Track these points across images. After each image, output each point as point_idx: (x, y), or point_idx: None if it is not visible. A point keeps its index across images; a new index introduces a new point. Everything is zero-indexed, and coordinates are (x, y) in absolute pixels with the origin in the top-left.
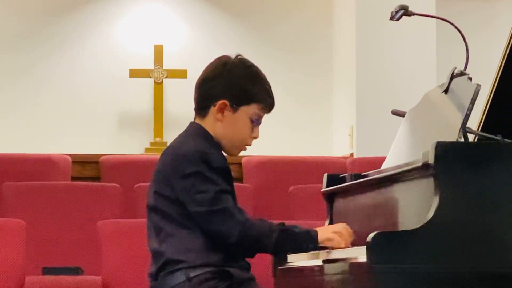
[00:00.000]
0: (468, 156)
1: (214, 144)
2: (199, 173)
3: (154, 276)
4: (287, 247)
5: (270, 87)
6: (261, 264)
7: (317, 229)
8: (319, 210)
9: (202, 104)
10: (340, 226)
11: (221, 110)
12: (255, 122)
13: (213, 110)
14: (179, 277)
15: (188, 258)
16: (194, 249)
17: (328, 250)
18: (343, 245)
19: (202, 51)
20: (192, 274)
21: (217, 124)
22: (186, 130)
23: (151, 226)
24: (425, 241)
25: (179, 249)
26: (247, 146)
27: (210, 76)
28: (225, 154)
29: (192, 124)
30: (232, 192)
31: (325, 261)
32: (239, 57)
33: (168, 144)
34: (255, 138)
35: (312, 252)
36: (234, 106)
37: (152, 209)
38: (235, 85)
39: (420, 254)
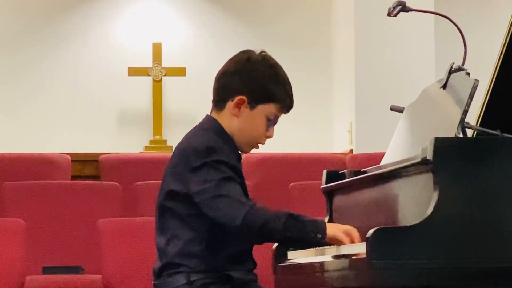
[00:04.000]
0: (467, 151)
1: (226, 138)
2: (206, 164)
3: (157, 274)
4: (295, 234)
5: (290, 88)
6: (261, 262)
7: (327, 224)
8: (319, 207)
9: (221, 97)
10: (350, 228)
11: (238, 105)
12: (271, 121)
13: (230, 104)
14: (181, 279)
15: (190, 263)
16: (197, 255)
17: (331, 246)
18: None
19: (200, 48)
20: (193, 278)
21: (233, 119)
22: (200, 123)
23: (159, 224)
24: (425, 236)
25: (182, 253)
26: (259, 145)
27: (232, 69)
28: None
29: (206, 117)
30: (241, 184)
31: (325, 258)
32: (263, 53)
33: (169, 141)
34: (269, 137)
35: (312, 249)
36: (252, 103)
37: (162, 207)
38: (256, 82)
39: (420, 250)
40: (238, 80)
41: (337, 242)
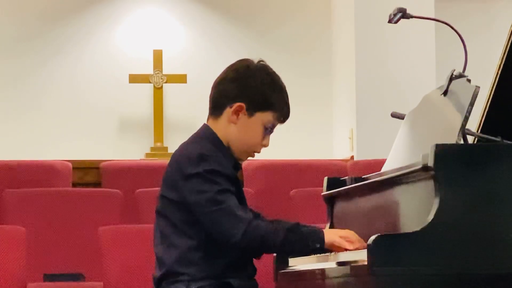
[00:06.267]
0: (468, 158)
1: (221, 147)
2: (200, 174)
3: (157, 282)
4: (294, 246)
5: (287, 97)
6: (262, 268)
7: (324, 231)
8: (320, 213)
9: (218, 104)
10: (348, 232)
11: (237, 112)
12: (268, 130)
13: (228, 111)
14: None
15: (189, 271)
16: (195, 262)
17: (332, 253)
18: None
19: (201, 55)
20: (192, 286)
21: (230, 126)
22: (196, 132)
23: (157, 230)
24: (426, 243)
25: (180, 261)
26: (255, 153)
27: (230, 76)
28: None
29: (203, 126)
30: (238, 195)
31: (326, 265)
32: (261, 62)
33: (170, 148)
34: (264, 146)
35: (313, 255)
36: (250, 110)
37: (158, 213)
38: (255, 90)
39: (421, 256)
40: (237, 87)
41: (336, 248)
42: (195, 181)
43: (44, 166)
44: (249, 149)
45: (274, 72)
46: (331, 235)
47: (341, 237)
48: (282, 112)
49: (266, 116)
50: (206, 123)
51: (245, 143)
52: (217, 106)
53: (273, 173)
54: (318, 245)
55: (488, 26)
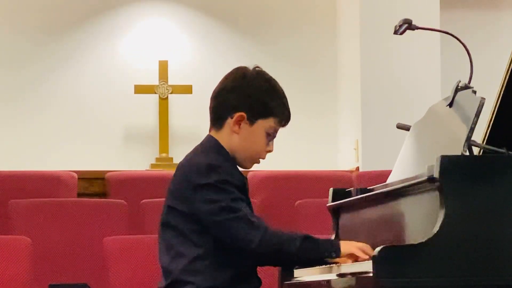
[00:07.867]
0: (473, 169)
1: (227, 157)
2: (210, 185)
3: None
4: (310, 255)
5: (287, 101)
6: (266, 280)
7: (340, 242)
8: (325, 225)
9: (219, 115)
10: (364, 245)
11: (238, 122)
12: (271, 135)
13: (230, 121)
14: None
15: (196, 280)
16: (202, 271)
17: (338, 264)
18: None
19: (207, 66)
20: None
21: (233, 136)
22: (200, 143)
23: (162, 242)
24: (431, 254)
25: (187, 270)
26: (260, 160)
27: (228, 86)
28: (240, 169)
29: (207, 137)
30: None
31: (332, 276)
32: (257, 69)
33: (175, 159)
34: (269, 151)
35: (319, 267)
36: (251, 119)
37: (164, 225)
38: (254, 98)
39: (426, 268)
40: (236, 97)
41: (351, 259)
42: (206, 191)
43: (49, 177)
44: (254, 156)
45: (271, 78)
46: (348, 246)
47: (359, 249)
48: (283, 117)
49: (267, 123)
50: (209, 134)
51: (249, 151)
52: (218, 118)
53: (278, 184)
54: (334, 255)
55: (493, 37)
